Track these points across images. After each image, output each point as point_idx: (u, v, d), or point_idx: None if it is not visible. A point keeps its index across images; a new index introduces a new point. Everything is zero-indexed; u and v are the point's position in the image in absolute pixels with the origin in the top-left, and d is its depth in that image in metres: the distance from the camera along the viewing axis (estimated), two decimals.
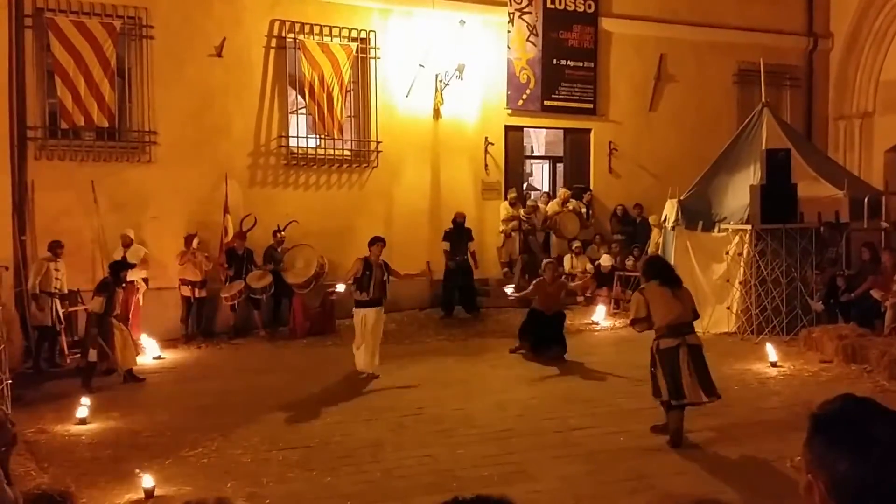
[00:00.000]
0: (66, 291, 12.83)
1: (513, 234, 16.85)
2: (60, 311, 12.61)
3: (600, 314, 15.50)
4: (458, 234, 15.97)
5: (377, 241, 11.65)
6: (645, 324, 8.45)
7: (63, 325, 12.78)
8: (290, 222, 15.01)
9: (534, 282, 13.50)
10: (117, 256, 13.28)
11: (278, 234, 14.92)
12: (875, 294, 13.24)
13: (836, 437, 1.83)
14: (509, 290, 14.04)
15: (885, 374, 10.85)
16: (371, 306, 11.38)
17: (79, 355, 11.97)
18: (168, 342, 13.66)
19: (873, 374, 11.08)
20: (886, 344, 11.68)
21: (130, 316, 13.34)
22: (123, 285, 11.95)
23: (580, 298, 16.93)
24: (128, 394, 10.97)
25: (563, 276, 17.10)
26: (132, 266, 12.36)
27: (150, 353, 12.98)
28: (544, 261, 14.13)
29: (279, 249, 14.87)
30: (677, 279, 8.79)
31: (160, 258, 14.23)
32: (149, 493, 7.03)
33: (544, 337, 12.84)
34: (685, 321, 8.41)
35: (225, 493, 6.83)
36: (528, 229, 16.91)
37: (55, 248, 12.69)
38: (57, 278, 12.59)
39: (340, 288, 12.43)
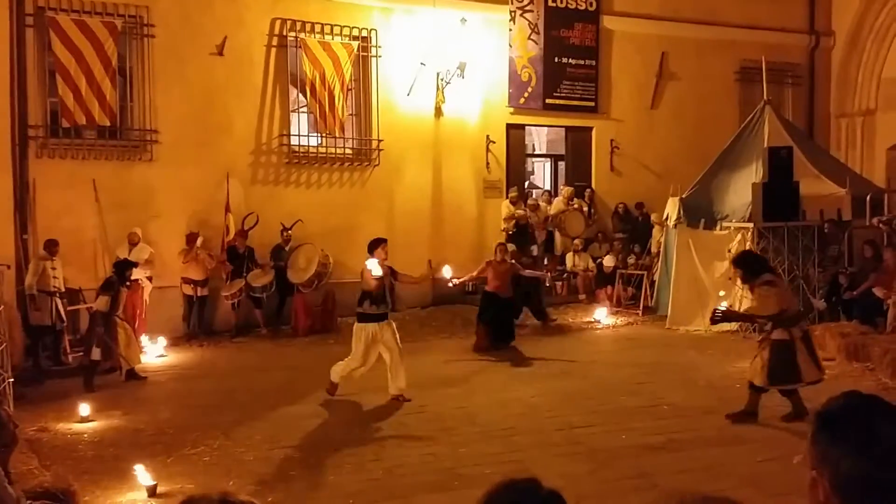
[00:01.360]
0: (63, 290, 12.81)
1: (514, 232, 16.82)
2: (61, 310, 12.61)
3: (602, 313, 15.48)
4: (522, 236, 16.04)
5: (381, 243, 10.29)
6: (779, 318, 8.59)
7: (65, 324, 12.78)
8: (296, 221, 15.00)
9: (485, 262, 13.62)
10: (123, 254, 13.30)
11: (285, 234, 14.93)
12: (877, 292, 13.22)
13: (840, 433, 1.83)
14: (447, 270, 11.94)
15: (888, 372, 10.83)
16: (383, 320, 10.10)
17: (81, 354, 11.97)
18: (170, 340, 13.66)
19: (876, 371, 11.06)
20: (889, 342, 11.66)
21: (137, 314, 13.36)
22: (128, 284, 11.95)
23: (582, 296, 16.94)
24: (130, 392, 10.97)
25: (565, 274, 17.17)
26: (136, 265, 12.36)
27: (154, 351, 13.00)
28: (496, 243, 14.17)
29: (287, 248, 14.88)
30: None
31: (162, 257, 14.24)
32: (151, 491, 7.03)
33: (501, 323, 13.15)
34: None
35: (228, 489, 6.82)
36: (528, 226, 16.89)
37: (51, 246, 12.68)
38: (54, 277, 12.58)
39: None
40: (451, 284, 12.54)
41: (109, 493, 7.11)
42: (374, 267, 9.91)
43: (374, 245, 10.27)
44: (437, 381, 11.14)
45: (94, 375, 11.13)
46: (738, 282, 9.35)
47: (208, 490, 1.90)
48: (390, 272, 10.36)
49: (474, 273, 13.44)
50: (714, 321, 9.11)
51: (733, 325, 14.00)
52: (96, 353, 11.23)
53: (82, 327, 12.98)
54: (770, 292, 8.54)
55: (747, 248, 13.96)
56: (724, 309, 9.26)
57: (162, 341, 13.32)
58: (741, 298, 13.92)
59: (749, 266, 8.86)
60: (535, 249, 16.18)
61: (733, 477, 7.28)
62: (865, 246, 14.22)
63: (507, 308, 13.45)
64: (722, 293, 11.79)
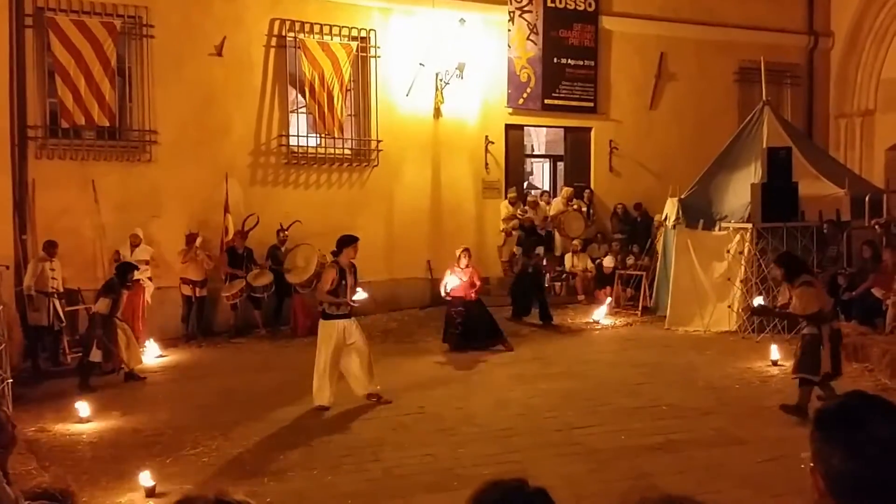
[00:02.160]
0: (62, 290, 12.81)
1: (513, 232, 16.84)
2: (60, 311, 12.61)
3: (601, 313, 15.48)
4: (532, 237, 15.99)
5: (353, 242, 10.09)
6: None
7: (64, 324, 12.78)
8: (294, 222, 14.98)
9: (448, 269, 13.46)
10: (126, 254, 13.32)
11: (281, 234, 14.93)
12: (876, 292, 13.21)
13: (833, 433, 1.85)
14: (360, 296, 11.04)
15: (887, 373, 10.83)
16: (348, 317, 9.92)
17: (80, 354, 11.97)
18: (169, 341, 13.67)
19: (875, 372, 11.06)
20: (888, 342, 11.66)
21: (138, 315, 13.37)
22: (129, 285, 11.94)
23: (580, 297, 16.93)
24: (128, 393, 10.98)
25: (564, 275, 17.18)
26: (137, 268, 12.35)
27: (152, 351, 13.01)
28: (460, 248, 13.93)
29: (283, 249, 14.87)
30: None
31: (161, 257, 14.24)
32: (149, 492, 7.03)
33: (471, 327, 13.00)
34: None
35: (226, 489, 6.82)
36: (528, 227, 16.89)
37: (50, 247, 12.69)
38: (53, 278, 12.59)
39: (361, 296, 10.22)
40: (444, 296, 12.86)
41: (108, 494, 7.12)
42: (359, 296, 9.98)
43: (346, 243, 10.07)
44: (435, 381, 11.14)
45: (90, 376, 11.14)
46: (779, 279, 9.78)
47: (207, 489, 1.91)
48: (353, 271, 10.06)
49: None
50: (754, 313, 9.79)
51: (732, 326, 14.04)
52: (97, 355, 11.25)
53: (81, 328, 12.97)
54: (810, 292, 9.00)
55: (745, 248, 14.01)
56: (762, 304, 9.90)
57: (153, 343, 13.30)
58: (739, 297, 13.98)
59: (791, 266, 9.27)
60: (541, 251, 16.09)
61: (732, 477, 7.28)
62: (864, 246, 14.21)
63: (478, 311, 13.19)
64: (759, 298, 11.75)
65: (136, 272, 12.11)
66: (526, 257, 15.71)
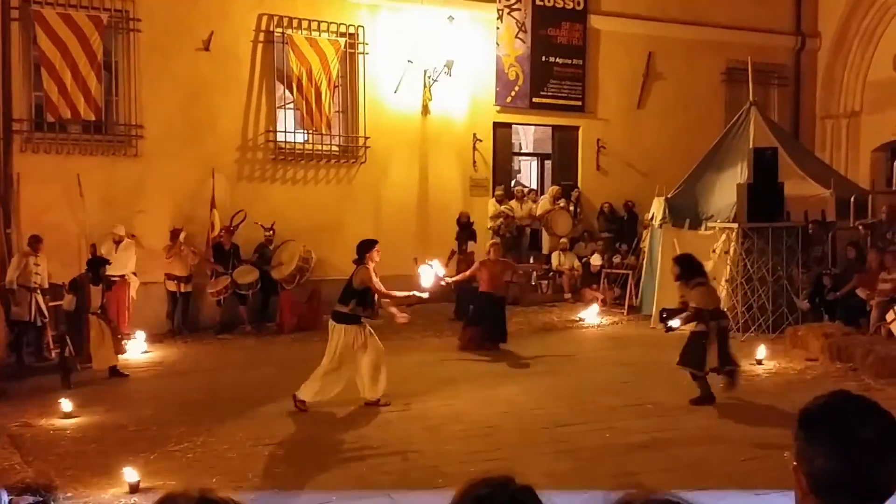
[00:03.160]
0: (46, 286, 12.73)
1: (501, 230, 16.83)
2: (43, 306, 12.53)
3: (592, 311, 15.50)
4: (464, 233, 15.96)
5: (375, 245, 9.76)
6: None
7: (47, 319, 12.70)
8: (272, 224, 14.94)
9: (478, 261, 13.57)
10: (106, 252, 13.23)
11: (268, 232, 14.89)
12: (860, 293, 13.29)
13: (816, 432, 1.86)
14: (441, 272, 11.41)
15: (871, 373, 10.89)
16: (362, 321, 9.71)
17: (58, 350, 11.90)
18: (153, 337, 13.61)
19: (858, 372, 11.12)
20: (871, 342, 11.74)
21: (124, 311, 13.31)
22: (113, 280, 11.84)
23: (567, 295, 16.96)
24: (113, 388, 10.92)
25: (551, 273, 17.19)
26: (109, 262, 12.18)
27: (135, 349, 12.91)
28: (489, 242, 14.13)
29: (270, 247, 14.84)
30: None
31: (146, 252, 14.16)
32: (133, 488, 7.00)
33: (494, 324, 13.00)
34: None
35: (210, 487, 6.80)
36: (513, 224, 16.90)
37: (35, 242, 12.60)
38: (37, 273, 12.50)
39: (440, 271, 10.16)
40: (443, 283, 12.29)
41: (92, 489, 7.07)
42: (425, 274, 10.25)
43: (372, 246, 9.72)
44: (422, 379, 11.13)
45: (69, 372, 11.05)
46: (675, 277, 10.09)
47: (190, 487, 1.90)
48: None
49: (467, 272, 13.41)
50: (662, 320, 10.06)
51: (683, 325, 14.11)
52: (67, 351, 11.19)
53: None
54: (703, 291, 9.73)
55: (731, 248, 14.06)
56: (667, 308, 10.32)
57: (142, 336, 13.25)
58: (724, 297, 14.02)
59: (687, 267, 9.91)
60: (474, 246, 16.11)
61: (717, 475, 7.31)
62: (849, 247, 14.30)
63: (500, 308, 13.29)
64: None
65: (108, 266, 11.95)
66: (461, 255, 15.76)
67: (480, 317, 13.19)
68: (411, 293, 10.26)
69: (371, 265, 9.63)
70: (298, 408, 9.47)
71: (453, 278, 12.91)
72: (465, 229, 16.23)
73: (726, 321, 10.14)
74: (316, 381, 9.51)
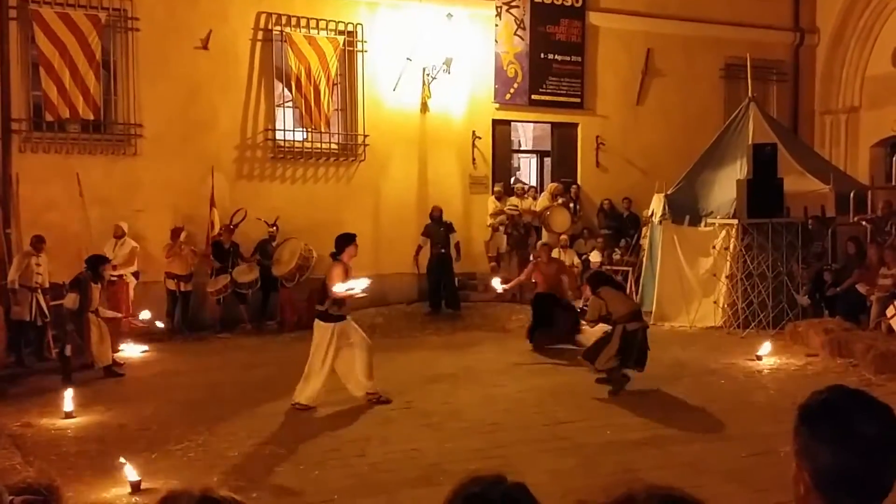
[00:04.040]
0: (47, 286, 12.72)
1: (500, 228, 16.83)
2: (44, 306, 12.53)
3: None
4: (438, 228, 15.90)
5: (353, 240, 9.76)
6: (601, 321, 10.53)
7: (48, 319, 12.69)
8: (276, 219, 14.94)
9: (531, 264, 13.53)
10: (109, 249, 13.23)
11: (272, 228, 14.89)
12: (861, 288, 13.30)
13: (820, 428, 1.86)
14: (496, 282, 13.05)
15: (871, 368, 10.90)
16: (345, 318, 9.67)
17: (58, 350, 11.90)
18: (153, 336, 13.58)
19: (859, 367, 11.13)
20: (872, 338, 11.75)
21: (123, 310, 13.30)
22: (113, 279, 11.84)
23: (569, 292, 16.93)
24: (113, 388, 10.92)
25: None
26: (109, 261, 12.20)
27: (133, 349, 12.91)
28: (539, 243, 14.14)
29: (273, 244, 14.84)
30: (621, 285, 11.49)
31: (146, 251, 14.16)
32: (135, 487, 7.00)
33: (560, 323, 12.74)
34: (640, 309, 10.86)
35: (211, 486, 6.79)
36: (515, 222, 16.88)
37: (37, 242, 12.59)
38: (38, 273, 12.49)
39: (363, 283, 9.70)
40: (500, 291, 13.15)
41: (93, 489, 7.08)
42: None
43: (349, 241, 9.70)
44: (422, 376, 11.13)
45: (70, 371, 11.05)
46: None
47: (192, 486, 1.90)
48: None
49: (522, 277, 13.45)
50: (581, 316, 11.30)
51: (717, 321, 14.12)
52: (68, 350, 11.19)
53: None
54: (598, 302, 10.44)
55: (731, 244, 14.06)
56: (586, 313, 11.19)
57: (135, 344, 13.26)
58: (724, 293, 14.04)
59: (593, 283, 10.85)
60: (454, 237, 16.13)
61: (717, 472, 7.31)
62: (849, 242, 14.31)
63: (561, 307, 12.94)
64: None
65: (108, 265, 11.97)
66: (435, 247, 15.73)
67: (541, 319, 12.98)
68: (353, 291, 9.68)
69: (346, 260, 9.57)
70: (302, 409, 9.48)
71: (509, 285, 13.24)
72: (438, 224, 15.96)
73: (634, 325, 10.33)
74: (307, 381, 9.53)
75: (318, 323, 9.66)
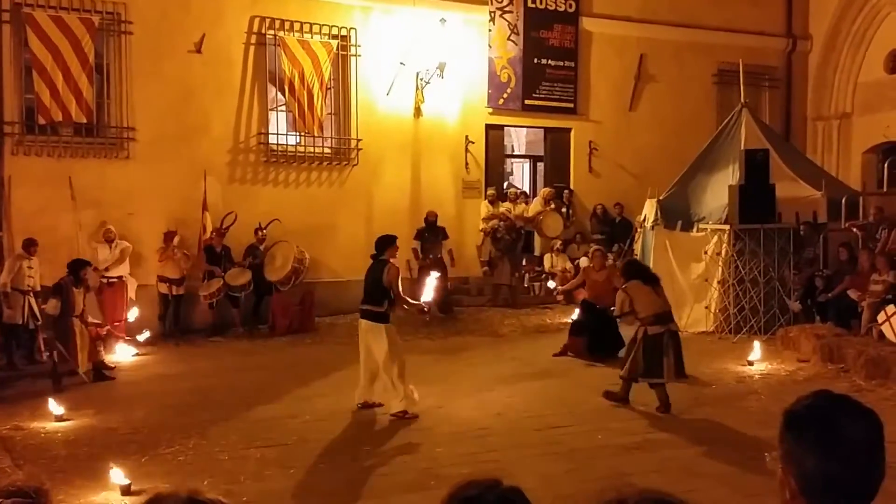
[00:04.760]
0: (38, 289, 12.68)
1: (493, 232, 16.82)
2: (36, 309, 12.50)
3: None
4: (431, 233, 15.91)
5: (394, 241, 9.85)
6: (630, 316, 9.86)
7: (40, 323, 12.66)
8: (272, 221, 14.93)
9: (582, 269, 13.61)
10: (103, 252, 13.22)
11: (260, 233, 14.87)
12: (852, 294, 13.32)
13: (805, 433, 1.86)
14: (552, 284, 13.91)
15: (862, 374, 10.92)
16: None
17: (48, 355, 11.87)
18: (145, 340, 13.55)
19: (850, 373, 11.14)
20: (863, 343, 11.76)
21: (121, 314, 13.28)
22: (112, 281, 11.78)
23: (560, 297, 16.93)
24: (104, 391, 10.89)
25: (544, 275, 17.16)
26: (90, 264, 12.13)
27: (129, 350, 12.88)
28: (592, 247, 14.15)
29: (261, 248, 14.82)
30: (655, 277, 10.21)
31: (138, 255, 14.14)
32: (125, 491, 6.98)
33: (601, 334, 12.23)
34: (668, 311, 9.88)
35: (200, 488, 6.77)
36: (512, 227, 16.87)
37: (29, 246, 12.57)
38: (30, 276, 12.47)
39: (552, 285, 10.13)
40: (556, 295, 13.74)
41: (83, 492, 7.05)
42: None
43: (387, 243, 9.67)
44: (414, 380, 11.03)
45: (58, 376, 11.01)
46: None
47: (179, 487, 1.90)
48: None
49: (576, 281, 13.54)
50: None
51: (709, 326, 14.13)
52: (55, 355, 11.15)
53: None
54: (623, 296, 9.89)
55: (723, 249, 14.09)
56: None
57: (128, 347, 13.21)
58: (716, 298, 14.06)
59: (624, 272, 10.24)
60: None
61: (709, 477, 7.32)
62: (841, 248, 14.33)
63: (605, 318, 12.16)
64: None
65: (89, 269, 11.89)
66: (424, 254, 15.71)
67: (581, 328, 12.65)
68: (421, 303, 10.43)
69: (394, 262, 9.50)
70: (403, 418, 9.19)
71: (564, 288, 13.47)
72: (432, 230, 15.96)
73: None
74: (397, 387, 9.23)
75: (373, 325, 9.30)
